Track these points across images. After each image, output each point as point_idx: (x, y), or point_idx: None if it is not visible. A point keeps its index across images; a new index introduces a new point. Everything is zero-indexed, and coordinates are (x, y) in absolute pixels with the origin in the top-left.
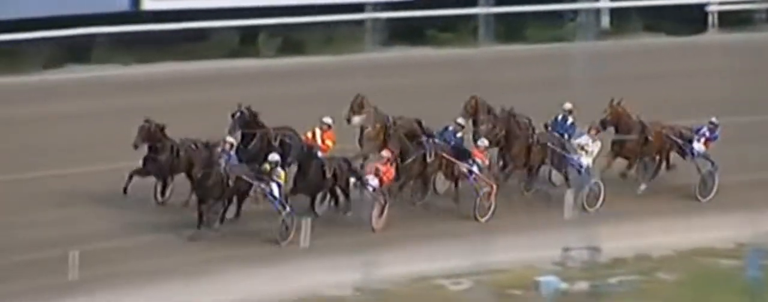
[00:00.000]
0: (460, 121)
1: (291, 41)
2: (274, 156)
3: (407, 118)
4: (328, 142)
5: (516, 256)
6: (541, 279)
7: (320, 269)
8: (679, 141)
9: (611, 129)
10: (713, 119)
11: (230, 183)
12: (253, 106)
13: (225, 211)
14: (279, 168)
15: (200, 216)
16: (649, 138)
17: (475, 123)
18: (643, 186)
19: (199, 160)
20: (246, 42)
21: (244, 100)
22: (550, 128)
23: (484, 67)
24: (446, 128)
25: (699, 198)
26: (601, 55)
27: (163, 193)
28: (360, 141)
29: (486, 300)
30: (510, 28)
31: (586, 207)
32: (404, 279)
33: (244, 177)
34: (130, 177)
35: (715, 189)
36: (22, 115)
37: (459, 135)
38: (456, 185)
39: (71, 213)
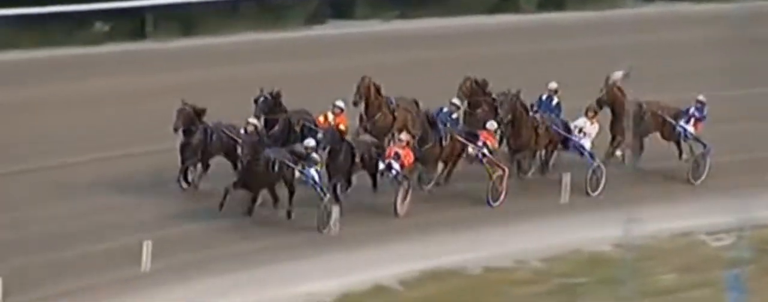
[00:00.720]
0: (456, 101)
1: None
2: (310, 142)
3: (406, 99)
4: (341, 126)
5: None
6: None
7: (580, 225)
8: (673, 121)
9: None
10: (700, 97)
11: (275, 168)
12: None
13: (272, 199)
14: (315, 154)
15: (252, 201)
16: (644, 118)
17: (470, 105)
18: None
19: (248, 145)
20: None
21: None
22: (535, 108)
23: (745, 22)
24: (441, 109)
25: (691, 181)
26: None
27: (193, 178)
28: (361, 123)
29: (746, 256)
30: None
31: (589, 191)
32: (665, 235)
33: (287, 162)
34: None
35: (706, 172)
36: (286, 70)
37: (455, 116)
38: (450, 168)
39: None
